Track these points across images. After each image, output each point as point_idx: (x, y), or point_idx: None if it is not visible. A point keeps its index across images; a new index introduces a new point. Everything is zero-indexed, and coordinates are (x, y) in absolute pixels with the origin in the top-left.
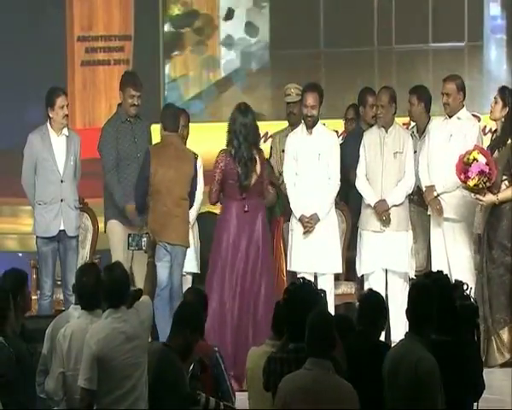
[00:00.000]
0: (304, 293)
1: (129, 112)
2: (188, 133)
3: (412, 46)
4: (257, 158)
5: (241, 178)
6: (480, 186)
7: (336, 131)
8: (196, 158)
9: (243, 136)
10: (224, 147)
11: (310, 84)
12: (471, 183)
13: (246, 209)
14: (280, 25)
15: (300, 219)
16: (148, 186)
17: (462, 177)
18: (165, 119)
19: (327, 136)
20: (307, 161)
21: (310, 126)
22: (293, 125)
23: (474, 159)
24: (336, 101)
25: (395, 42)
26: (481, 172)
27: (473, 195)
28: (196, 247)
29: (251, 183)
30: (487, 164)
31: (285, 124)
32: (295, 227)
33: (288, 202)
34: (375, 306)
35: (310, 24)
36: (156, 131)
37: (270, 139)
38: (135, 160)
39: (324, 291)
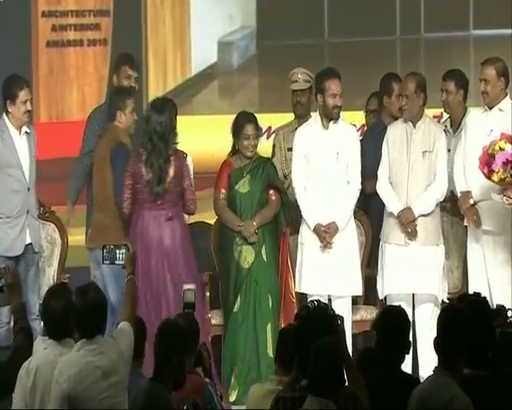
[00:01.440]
0: (319, 319)
1: None
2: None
3: (448, 34)
4: (172, 160)
5: (152, 184)
6: (507, 181)
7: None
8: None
9: (158, 135)
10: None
11: (330, 70)
12: (496, 177)
13: (169, 216)
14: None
15: (316, 230)
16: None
17: (486, 171)
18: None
19: (347, 131)
20: (323, 160)
21: (336, 119)
22: (299, 118)
23: (500, 149)
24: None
25: (424, 29)
26: (506, 163)
27: (505, 199)
28: None
29: (164, 189)
30: None
31: (285, 117)
32: (306, 240)
33: (296, 210)
34: (395, 323)
35: (310, 9)
36: None
37: (273, 136)
38: (130, 153)
39: (342, 318)
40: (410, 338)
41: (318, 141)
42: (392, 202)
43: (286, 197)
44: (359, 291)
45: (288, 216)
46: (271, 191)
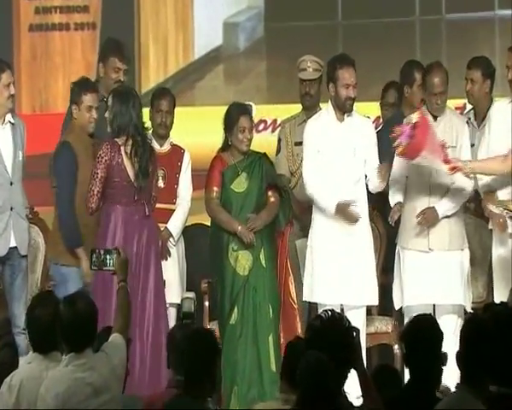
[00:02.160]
0: (333, 331)
1: (110, 89)
2: (172, 122)
3: (471, 15)
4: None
5: (138, 177)
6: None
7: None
8: (183, 153)
9: (137, 126)
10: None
11: (344, 57)
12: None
13: (147, 213)
14: None
15: (340, 209)
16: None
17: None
18: None
19: (364, 124)
20: (338, 156)
21: (349, 111)
22: (307, 110)
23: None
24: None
25: (445, 10)
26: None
27: (505, 212)
28: (181, 270)
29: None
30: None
31: (292, 108)
32: (317, 244)
33: (304, 211)
34: (428, 339)
35: None
36: None
37: (278, 130)
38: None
39: (358, 330)
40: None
41: (332, 135)
42: (393, 198)
43: (286, 194)
44: (375, 301)
45: (289, 214)
46: (270, 192)
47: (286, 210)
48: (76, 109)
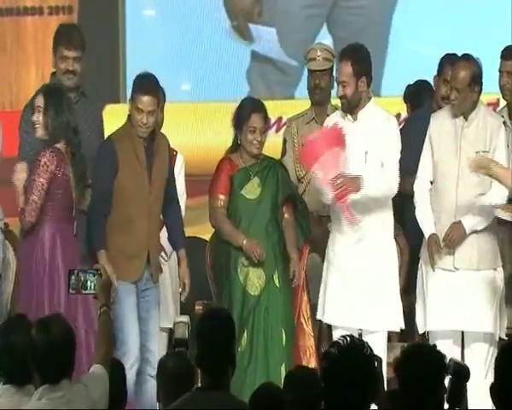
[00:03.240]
0: (352, 361)
1: (64, 82)
2: (162, 119)
3: None
4: None
5: (78, 188)
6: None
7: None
8: (175, 154)
9: (74, 129)
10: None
11: (345, 49)
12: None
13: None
14: None
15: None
16: (110, 196)
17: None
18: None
19: (380, 122)
20: (348, 163)
21: (345, 110)
22: (317, 105)
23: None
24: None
25: None
26: None
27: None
28: (174, 290)
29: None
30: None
31: (299, 105)
32: (333, 259)
33: (316, 224)
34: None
35: None
36: (115, 115)
37: (283, 129)
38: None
39: (380, 359)
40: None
41: (346, 136)
42: (425, 219)
43: (302, 206)
44: (398, 325)
45: (307, 229)
46: (284, 207)
47: (303, 225)
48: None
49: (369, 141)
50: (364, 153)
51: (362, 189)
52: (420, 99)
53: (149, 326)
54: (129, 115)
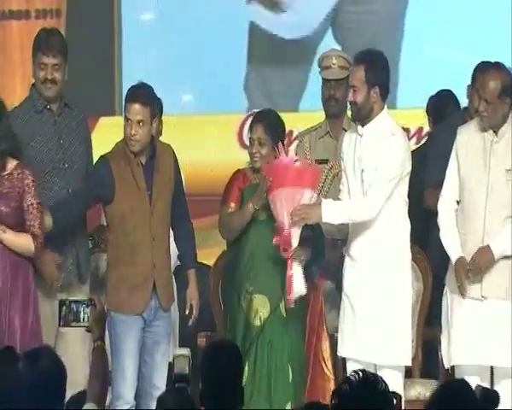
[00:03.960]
0: (365, 398)
1: (43, 92)
2: (161, 132)
3: None
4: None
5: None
6: None
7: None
8: None
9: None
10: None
11: (360, 53)
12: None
13: None
14: None
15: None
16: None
17: None
18: None
19: (382, 139)
20: (349, 181)
21: (353, 118)
22: (332, 118)
23: None
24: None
25: None
26: None
27: None
28: (173, 320)
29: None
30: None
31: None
32: (345, 287)
33: (333, 249)
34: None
35: None
36: (110, 128)
37: (295, 144)
38: (59, 173)
39: (399, 396)
40: None
41: (350, 153)
42: (451, 240)
43: (317, 232)
44: (405, 360)
45: (322, 257)
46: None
47: (319, 251)
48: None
49: (367, 158)
50: (361, 171)
51: (322, 218)
52: (443, 111)
53: (156, 359)
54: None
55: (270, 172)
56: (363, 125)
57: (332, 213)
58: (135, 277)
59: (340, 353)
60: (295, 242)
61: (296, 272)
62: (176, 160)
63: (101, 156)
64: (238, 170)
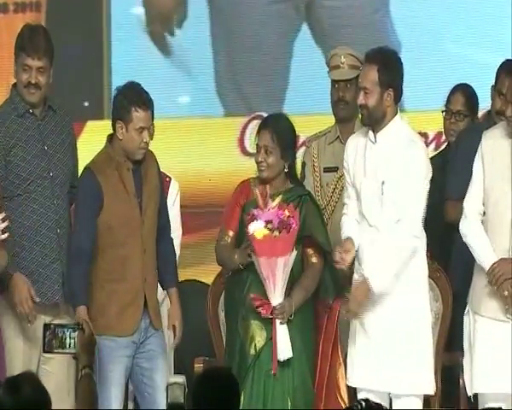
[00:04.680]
0: None
1: (25, 96)
2: (151, 136)
3: None
4: None
5: None
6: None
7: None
8: (169, 181)
9: None
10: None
11: (373, 51)
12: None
13: None
14: None
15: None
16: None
17: None
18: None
19: (403, 147)
20: (364, 193)
21: (365, 123)
22: (342, 122)
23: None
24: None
25: None
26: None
27: None
28: (167, 344)
29: None
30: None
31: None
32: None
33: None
34: None
35: None
36: (98, 132)
37: (302, 150)
38: (44, 182)
39: None
40: None
41: (362, 161)
42: (483, 250)
43: (329, 261)
44: (429, 389)
45: (337, 281)
46: (311, 250)
47: (333, 275)
48: (122, 128)
49: (387, 169)
50: (381, 183)
51: (376, 292)
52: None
53: (156, 379)
54: (111, 137)
55: (248, 236)
56: (374, 131)
57: (381, 278)
58: (125, 294)
59: (351, 382)
60: (277, 299)
61: (280, 333)
62: (159, 167)
63: (85, 168)
64: (243, 181)
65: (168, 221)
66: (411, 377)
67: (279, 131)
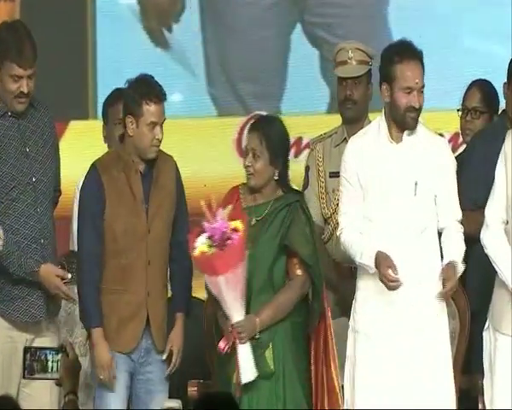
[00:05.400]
0: None
1: (13, 106)
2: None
3: None
4: None
5: None
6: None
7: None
8: None
9: None
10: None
11: (405, 44)
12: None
13: None
14: None
15: (380, 261)
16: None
17: None
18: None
19: (431, 145)
20: (391, 195)
21: (411, 128)
22: (349, 123)
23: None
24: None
25: None
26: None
27: None
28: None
29: None
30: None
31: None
32: (361, 326)
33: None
34: None
35: None
36: (81, 133)
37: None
38: (27, 188)
39: None
40: None
41: (383, 162)
42: (506, 263)
43: (318, 270)
44: (451, 406)
45: (321, 305)
46: (295, 260)
47: (318, 284)
48: (132, 124)
49: (418, 168)
50: (414, 183)
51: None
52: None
53: (153, 406)
54: (122, 136)
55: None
56: (399, 131)
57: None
58: (125, 306)
59: (357, 404)
60: (235, 317)
61: (241, 353)
62: (179, 175)
63: (92, 165)
64: (233, 188)
65: (186, 239)
66: (431, 398)
67: (269, 134)
